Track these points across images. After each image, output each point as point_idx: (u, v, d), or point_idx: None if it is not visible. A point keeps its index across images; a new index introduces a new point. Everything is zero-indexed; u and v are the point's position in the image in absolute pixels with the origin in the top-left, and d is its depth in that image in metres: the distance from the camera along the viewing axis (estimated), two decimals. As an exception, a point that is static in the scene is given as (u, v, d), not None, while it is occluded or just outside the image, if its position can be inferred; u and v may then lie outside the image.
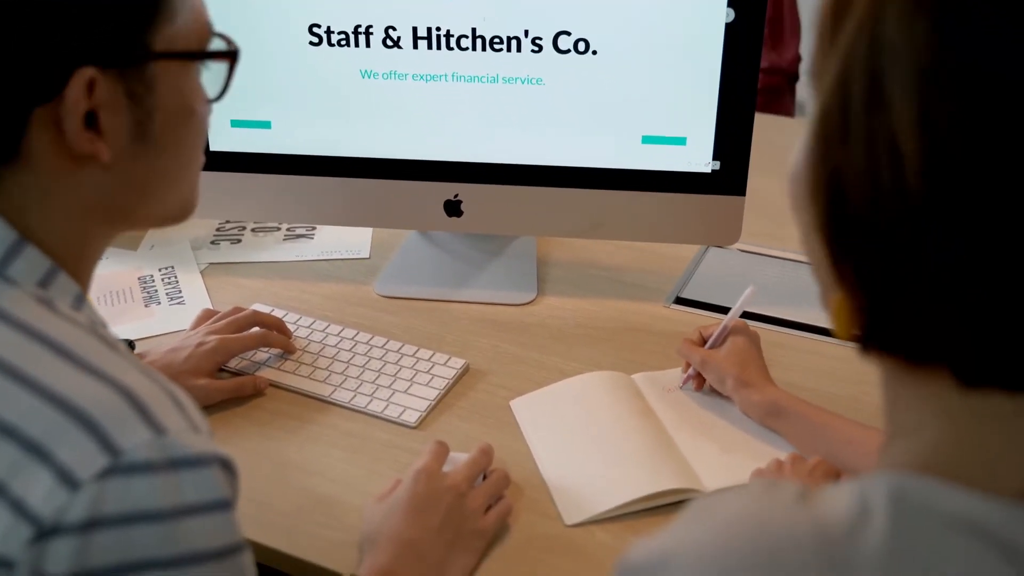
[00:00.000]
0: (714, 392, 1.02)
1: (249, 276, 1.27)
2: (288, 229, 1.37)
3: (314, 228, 1.37)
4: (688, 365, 1.03)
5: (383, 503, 0.84)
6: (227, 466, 0.57)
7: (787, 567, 0.43)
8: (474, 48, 1.09)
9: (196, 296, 1.22)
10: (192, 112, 0.63)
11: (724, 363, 0.98)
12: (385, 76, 1.13)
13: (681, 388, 1.04)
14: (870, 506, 0.43)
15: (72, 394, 0.53)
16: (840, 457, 0.88)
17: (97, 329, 0.59)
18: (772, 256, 1.29)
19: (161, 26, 0.59)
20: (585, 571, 0.83)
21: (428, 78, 1.12)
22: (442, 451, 0.88)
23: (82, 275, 0.63)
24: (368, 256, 1.31)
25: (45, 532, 0.50)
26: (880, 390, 0.52)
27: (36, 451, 0.51)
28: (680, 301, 1.21)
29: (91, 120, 0.58)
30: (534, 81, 1.11)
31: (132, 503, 0.52)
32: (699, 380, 1.02)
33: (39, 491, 0.51)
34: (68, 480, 0.51)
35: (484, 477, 0.88)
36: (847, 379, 1.05)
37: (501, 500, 0.87)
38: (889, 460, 0.49)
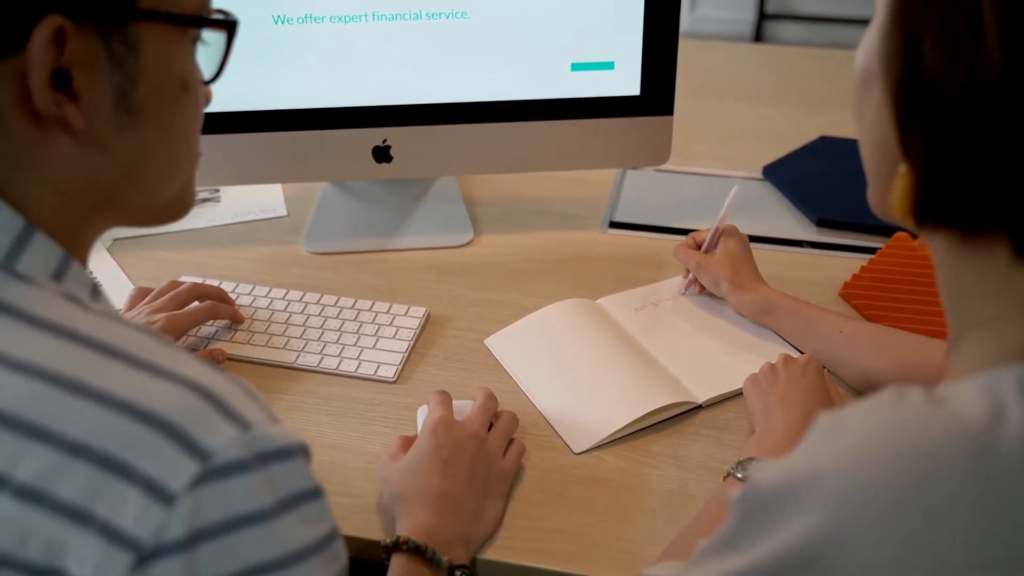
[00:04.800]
0: (702, 300, 1.06)
1: (163, 248, 1.18)
2: (189, 194, 1.28)
3: (218, 190, 1.29)
4: (688, 271, 1.06)
5: (400, 461, 0.81)
6: (307, 452, 0.53)
7: (939, 469, 0.44)
8: (394, -16, 1.05)
9: (110, 275, 1.12)
10: (184, 88, 0.56)
11: (718, 267, 1.02)
12: (300, 20, 1.06)
13: (684, 293, 1.07)
14: (1002, 398, 0.46)
15: (140, 398, 0.47)
16: (832, 347, 0.93)
17: (133, 323, 0.53)
18: (687, 172, 1.32)
19: None
20: (604, 497, 0.84)
21: (347, 20, 1.07)
22: (448, 400, 0.86)
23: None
24: (287, 213, 1.25)
25: (146, 556, 0.45)
26: (941, 286, 0.55)
27: (114, 467, 0.46)
28: (615, 225, 1.22)
29: (64, 80, 0.50)
30: (458, 15, 1.08)
31: (232, 507, 0.47)
32: (700, 283, 1.06)
33: (130, 512, 0.45)
34: (160, 494, 0.45)
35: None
36: (784, 280, 1.10)
37: (514, 441, 0.86)
38: (981, 352, 0.51)
